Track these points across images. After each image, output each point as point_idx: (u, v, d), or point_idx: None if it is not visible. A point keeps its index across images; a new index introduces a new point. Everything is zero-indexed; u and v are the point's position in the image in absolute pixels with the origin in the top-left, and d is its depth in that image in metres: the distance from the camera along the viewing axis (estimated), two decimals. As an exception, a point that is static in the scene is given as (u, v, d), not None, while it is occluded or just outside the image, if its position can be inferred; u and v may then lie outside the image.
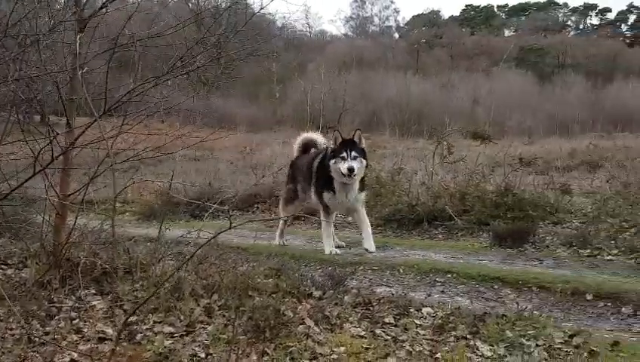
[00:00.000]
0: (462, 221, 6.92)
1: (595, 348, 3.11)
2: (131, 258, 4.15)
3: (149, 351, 2.97)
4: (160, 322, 3.40)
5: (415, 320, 3.59)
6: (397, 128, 42.13)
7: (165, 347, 3.03)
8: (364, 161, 5.74)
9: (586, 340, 3.23)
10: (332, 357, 2.97)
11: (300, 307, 3.63)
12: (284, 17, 62.35)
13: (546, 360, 2.99)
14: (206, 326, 3.36)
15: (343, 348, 3.07)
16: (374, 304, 3.90)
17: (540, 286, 4.47)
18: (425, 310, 3.80)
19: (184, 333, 3.26)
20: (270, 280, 4.14)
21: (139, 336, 3.17)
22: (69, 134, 4.00)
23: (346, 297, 3.98)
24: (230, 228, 2.57)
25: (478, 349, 3.14)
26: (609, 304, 4.11)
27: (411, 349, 3.13)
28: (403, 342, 3.24)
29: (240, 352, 2.90)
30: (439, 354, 3.06)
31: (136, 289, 3.78)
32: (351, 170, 5.51)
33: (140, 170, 11.52)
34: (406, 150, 14.72)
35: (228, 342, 3.01)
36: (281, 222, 6.72)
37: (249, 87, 45.99)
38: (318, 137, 6.92)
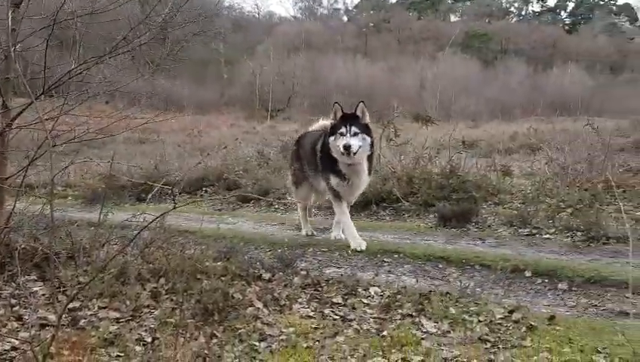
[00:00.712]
0: (409, 202, 7.07)
1: (533, 323, 3.27)
2: (74, 243, 4.04)
3: (94, 336, 2.92)
4: (105, 307, 3.34)
5: (363, 300, 3.67)
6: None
7: (111, 332, 2.98)
8: (368, 138, 5.09)
9: (525, 315, 3.39)
10: (281, 337, 3.00)
11: (249, 289, 3.64)
12: (232, -3, 61.29)
13: (487, 335, 3.12)
14: (153, 310, 3.33)
15: (291, 329, 3.11)
16: (323, 285, 3.96)
17: (482, 264, 4.63)
18: (372, 289, 3.88)
19: (130, 318, 3.22)
20: (219, 263, 4.12)
21: (83, 322, 3.11)
22: (4, 115, 3.82)
23: (295, 279, 4.02)
24: (174, 209, 2.53)
25: (423, 326, 3.25)
26: (546, 280, 4.30)
27: (359, 328, 3.20)
28: (351, 321, 3.31)
29: (188, 336, 2.89)
30: (386, 331, 3.14)
31: (79, 274, 3.69)
32: (347, 147, 4.89)
33: (83, 152, 11.15)
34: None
35: (175, 325, 2.99)
36: (299, 207, 6.14)
37: (196, 69, 45.05)
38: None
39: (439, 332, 3.17)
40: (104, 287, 3.48)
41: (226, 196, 8.21)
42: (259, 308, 3.35)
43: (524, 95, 46.20)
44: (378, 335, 3.12)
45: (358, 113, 5.10)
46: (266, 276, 4.03)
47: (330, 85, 46.51)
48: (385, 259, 4.97)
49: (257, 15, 70.01)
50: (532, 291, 4.16)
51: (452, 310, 3.46)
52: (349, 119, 5.06)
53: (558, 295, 4.06)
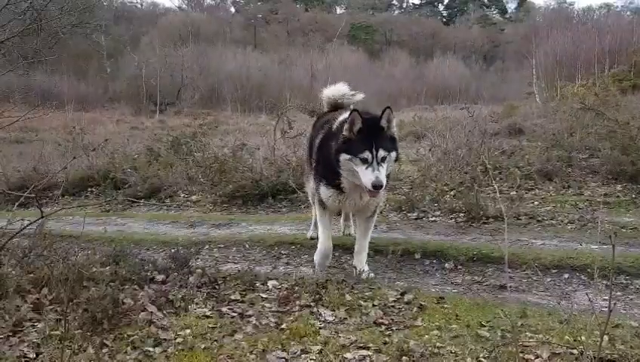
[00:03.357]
0: (304, 193, 7.13)
1: (423, 303, 3.44)
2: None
3: (-33, 359, 2.66)
4: (-20, 326, 3.06)
5: (261, 294, 3.65)
6: (238, 104, 41.97)
7: (-13, 352, 2.74)
8: (394, 154, 3.79)
9: (416, 296, 3.56)
10: (177, 341, 2.91)
11: (141, 293, 3.49)
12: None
13: (381, 318, 3.23)
14: (36, 323, 3.10)
15: (188, 331, 3.03)
16: (220, 282, 3.89)
17: (376, 249, 4.77)
18: (270, 283, 3.87)
19: (10, 334, 2.98)
20: (107, 268, 3.92)
21: (-47, 345, 2.83)
22: None
23: (190, 278, 3.90)
24: (42, 218, 2.36)
25: (321, 315, 3.29)
26: (434, 261, 4.56)
27: (258, 323, 3.18)
28: (249, 317, 3.28)
29: (75, 347, 2.72)
30: (285, 324, 3.15)
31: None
32: (377, 186, 3.58)
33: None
34: (248, 126, 14.72)
35: (61, 338, 2.80)
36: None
37: (76, 63, 42.42)
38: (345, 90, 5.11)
39: (337, 320, 3.23)
40: (-23, 304, 3.19)
41: (114, 197, 7.82)
42: (152, 312, 3.22)
43: (408, 84, 48.35)
44: (277, 328, 3.12)
45: (383, 123, 3.80)
46: (160, 278, 3.88)
47: (221, 77, 45.84)
48: (282, 251, 5.00)
49: (140, 5, 67.17)
50: (422, 272, 4.38)
51: (348, 297, 3.54)
52: (373, 135, 3.71)
53: (445, 274, 4.31)
